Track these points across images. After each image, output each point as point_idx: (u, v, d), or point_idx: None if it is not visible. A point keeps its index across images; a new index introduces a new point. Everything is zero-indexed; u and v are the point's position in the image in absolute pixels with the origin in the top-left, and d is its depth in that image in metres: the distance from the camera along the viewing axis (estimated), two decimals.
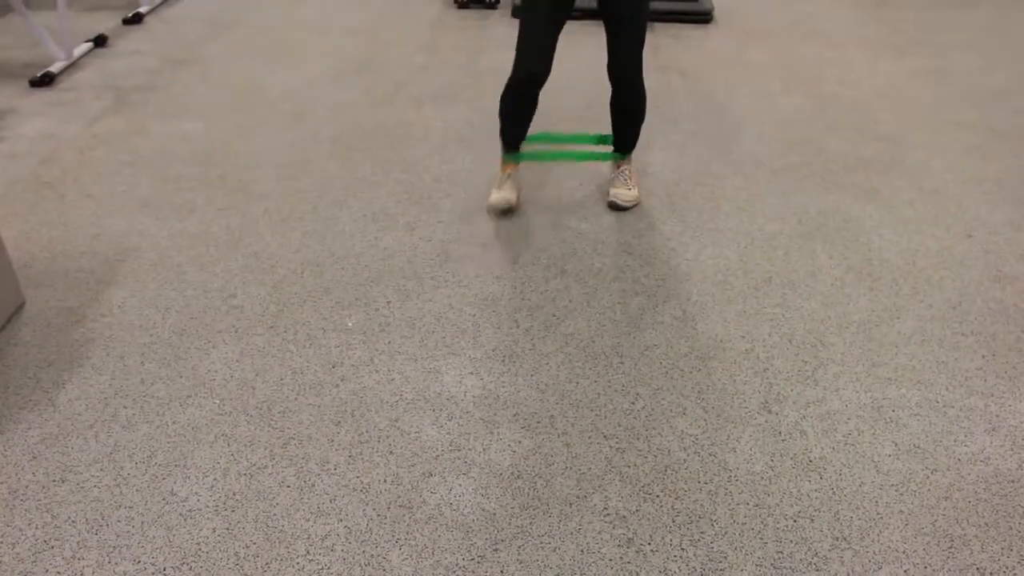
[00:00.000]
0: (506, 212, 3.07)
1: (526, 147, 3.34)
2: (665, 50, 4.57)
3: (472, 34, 4.81)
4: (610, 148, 3.26)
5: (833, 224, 3.00)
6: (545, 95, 3.85)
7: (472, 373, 2.29)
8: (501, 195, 3.04)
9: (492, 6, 5.15)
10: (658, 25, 4.89)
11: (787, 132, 3.68)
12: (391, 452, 2.04)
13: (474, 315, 2.52)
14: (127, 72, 4.37)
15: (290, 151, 3.52)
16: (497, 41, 4.52)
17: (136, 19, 5.13)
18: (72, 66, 4.42)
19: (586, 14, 4.82)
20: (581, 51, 4.49)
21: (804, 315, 2.53)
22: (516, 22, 4.40)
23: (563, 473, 1.99)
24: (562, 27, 2.82)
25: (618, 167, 3.13)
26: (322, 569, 1.77)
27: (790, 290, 2.64)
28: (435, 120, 3.76)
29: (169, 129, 3.74)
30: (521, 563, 1.78)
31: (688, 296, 2.60)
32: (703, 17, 4.93)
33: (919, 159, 3.48)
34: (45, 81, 4.18)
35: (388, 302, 2.58)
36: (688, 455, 2.04)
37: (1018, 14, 5.27)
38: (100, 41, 4.73)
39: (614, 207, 3.07)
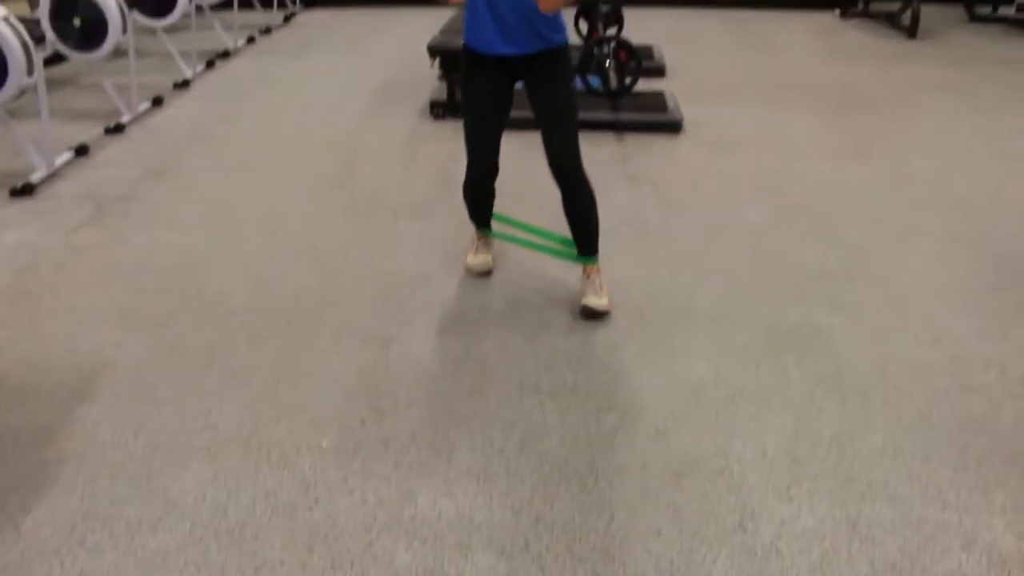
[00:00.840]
0: (485, 274, 3.41)
1: (498, 225, 3.53)
2: (635, 160, 4.70)
3: (447, 146, 4.92)
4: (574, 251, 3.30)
5: (803, 335, 3.05)
6: (516, 208, 3.91)
7: (446, 495, 2.28)
8: (479, 259, 3.43)
9: None
10: (628, 135, 5.03)
11: (755, 242, 3.76)
12: None
13: (449, 434, 2.52)
14: (108, 182, 4.43)
15: (267, 264, 3.55)
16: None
17: (118, 129, 5.23)
18: (53, 175, 4.48)
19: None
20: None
21: (777, 429, 2.55)
22: None
23: None
24: (503, 122, 3.13)
25: (587, 276, 3.18)
26: None
27: (763, 404, 2.67)
28: (411, 233, 3.82)
29: (148, 240, 3.77)
30: None
31: (661, 412, 2.62)
32: (672, 127, 5.08)
33: (884, 267, 3.56)
34: (26, 191, 4.23)
35: (363, 420, 2.58)
36: None
37: (970, 121, 5.47)
38: (82, 151, 4.81)
39: (587, 315, 3.12)
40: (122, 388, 2.73)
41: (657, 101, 5.28)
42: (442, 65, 5.22)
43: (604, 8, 6.48)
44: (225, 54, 7.12)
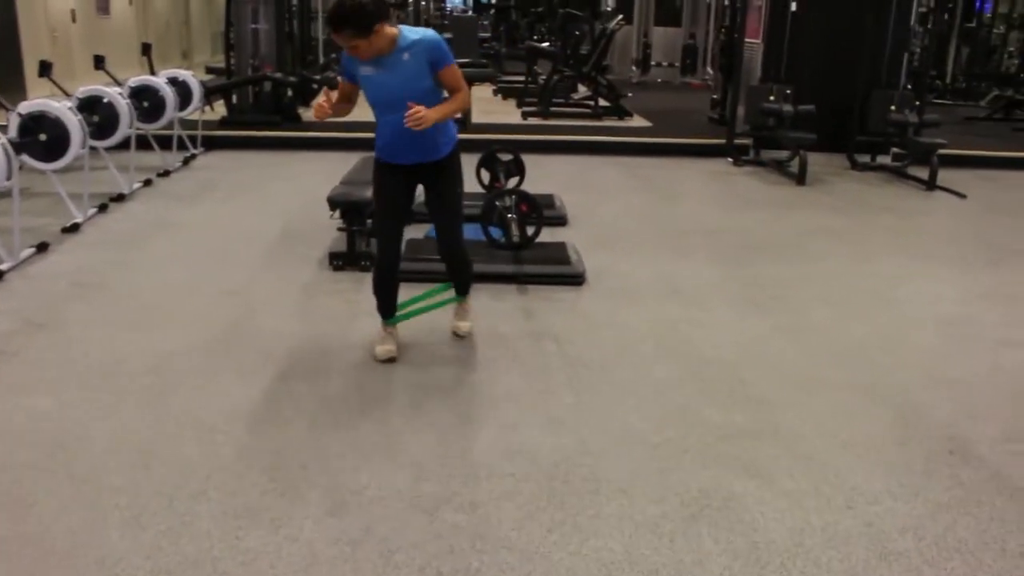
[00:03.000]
0: (390, 361, 3.96)
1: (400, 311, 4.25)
2: (538, 315, 4.63)
3: (346, 298, 4.78)
4: (452, 292, 4.33)
5: (716, 503, 2.95)
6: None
7: None
8: (385, 348, 4.00)
9: (366, 269, 5.17)
10: (531, 288, 4.99)
11: (662, 401, 3.69)
12: None
13: None
14: None
15: (149, 434, 3.29)
16: (370, 306, 4.51)
17: None
18: None
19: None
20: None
21: None
22: None
23: None
24: (406, 217, 3.92)
25: (459, 306, 4.29)
26: None
27: None
28: (304, 398, 3.62)
29: (15, 405, 3.48)
30: None
31: None
32: (575, 279, 5.06)
33: (791, 423, 3.52)
34: None
35: None
36: None
37: (860, 267, 5.65)
38: None
39: (456, 335, 4.22)
40: None
41: (559, 253, 5.27)
42: (342, 216, 5.13)
43: (505, 158, 6.58)
44: (120, 197, 6.89)
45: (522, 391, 3.73)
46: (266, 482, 2.98)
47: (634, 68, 17.01)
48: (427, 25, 17.14)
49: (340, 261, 5.20)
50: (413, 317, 4.30)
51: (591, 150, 9.61)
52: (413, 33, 3.57)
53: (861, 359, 4.19)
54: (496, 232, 5.25)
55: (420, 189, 3.91)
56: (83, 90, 6.75)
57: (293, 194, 7.17)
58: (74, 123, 5.85)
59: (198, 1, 18.52)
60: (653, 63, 17.16)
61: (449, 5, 30.05)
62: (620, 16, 12.44)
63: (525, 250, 5.19)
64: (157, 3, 16.45)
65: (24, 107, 5.83)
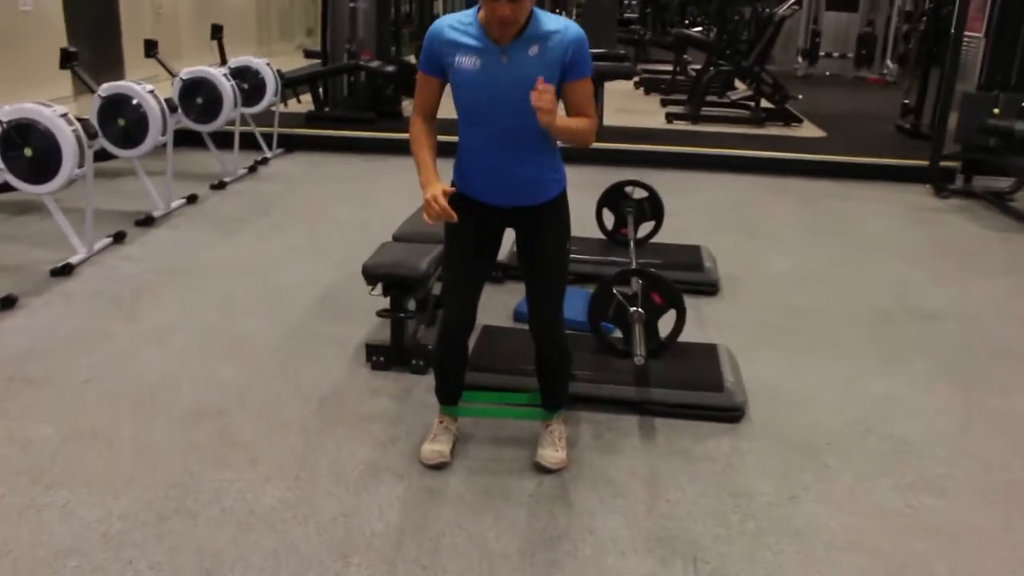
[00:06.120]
0: (439, 467, 2.90)
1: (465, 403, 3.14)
2: (668, 494, 2.83)
3: (379, 427, 3.14)
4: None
5: None
6: None
7: None
8: (433, 448, 2.94)
9: (419, 369, 3.54)
10: (659, 424, 3.22)
11: None
12: None
13: None
14: None
15: None
16: (411, 446, 2.90)
17: None
18: None
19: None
20: None
21: None
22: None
23: None
24: (486, 273, 2.88)
25: (547, 427, 3.02)
26: None
27: None
28: None
29: None
30: None
31: None
32: (730, 414, 3.26)
33: None
34: None
35: None
36: None
37: None
38: None
39: (540, 468, 2.92)
40: None
41: (706, 367, 3.40)
42: (386, 292, 3.51)
43: (637, 194, 4.83)
44: (148, 220, 5.52)
45: None
46: None
47: (800, 59, 14.76)
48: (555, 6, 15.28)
49: (381, 357, 3.58)
50: (482, 416, 3.23)
51: (749, 167, 7.68)
52: (551, 21, 2.54)
53: None
54: (608, 326, 3.52)
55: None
56: (107, 87, 5.39)
57: (364, 223, 5.56)
58: (67, 136, 4.47)
59: None
60: (822, 53, 14.86)
61: None
62: None
63: (655, 360, 3.42)
64: None
65: (5, 114, 4.48)
